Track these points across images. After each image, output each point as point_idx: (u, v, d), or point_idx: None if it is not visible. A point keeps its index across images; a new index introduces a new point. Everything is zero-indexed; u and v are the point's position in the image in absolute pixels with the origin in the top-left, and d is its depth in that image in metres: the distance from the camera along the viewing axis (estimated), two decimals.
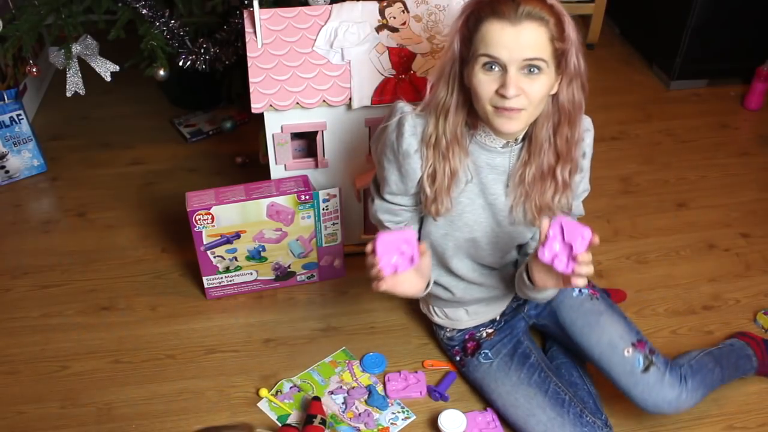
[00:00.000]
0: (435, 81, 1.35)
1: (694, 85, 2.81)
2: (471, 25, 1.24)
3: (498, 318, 1.66)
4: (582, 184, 1.46)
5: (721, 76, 2.80)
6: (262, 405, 1.65)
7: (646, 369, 1.47)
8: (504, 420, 1.59)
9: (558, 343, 1.71)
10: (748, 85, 2.70)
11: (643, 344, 1.50)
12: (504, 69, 1.22)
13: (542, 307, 1.65)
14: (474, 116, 1.34)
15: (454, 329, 1.68)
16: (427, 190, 1.39)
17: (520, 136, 1.38)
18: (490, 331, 1.65)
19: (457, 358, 1.69)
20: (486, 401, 1.63)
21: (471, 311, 1.64)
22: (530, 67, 1.21)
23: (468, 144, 1.38)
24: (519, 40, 1.19)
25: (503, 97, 1.22)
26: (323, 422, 1.54)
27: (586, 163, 1.44)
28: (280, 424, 1.60)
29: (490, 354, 1.61)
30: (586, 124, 1.41)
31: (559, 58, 1.24)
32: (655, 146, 2.51)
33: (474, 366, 1.63)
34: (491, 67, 1.23)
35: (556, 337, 1.68)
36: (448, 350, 1.72)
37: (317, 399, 1.59)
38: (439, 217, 1.43)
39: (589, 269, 1.25)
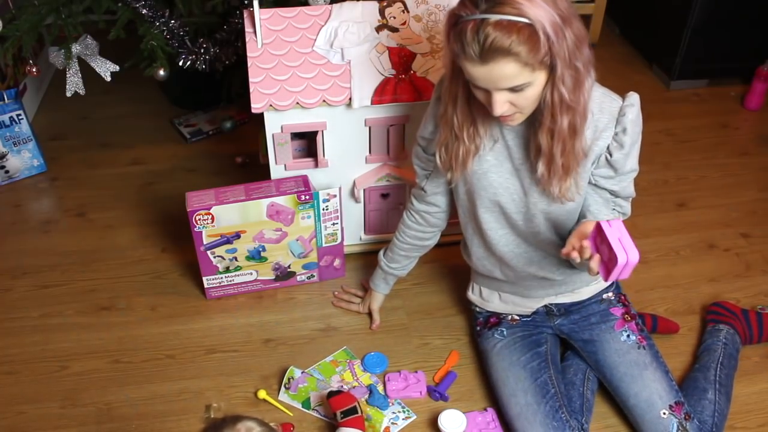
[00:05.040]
0: (444, 67, 1.40)
1: (694, 85, 2.81)
2: (453, 51, 1.22)
3: (529, 315, 1.68)
4: (628, 163, 1.39)
5: (721, 76, 2.80)
6: (282, 396, 1.66)
7: None
8: (492, 394, 1.62)
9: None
10: (748, 85, 2.70)
11: (680, 407, 1.48)
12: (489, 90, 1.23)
13: (576, 330, 1.63)
14: None
15: (483, 309, 1.73)
16: (442, 156, 1.44)
17: None
18: (516, 317, 1.68)
19: (477, 328, 1.74)
20: (485, 372, 1.68)
21: (504, 297, 1.68)
22: (513, 89, 1.22)
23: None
24: (492, 76, 1.19)
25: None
26: (358, 410, 1.53)
27: (627, 139, 1.36)
28: (304, 410, 1.62)
29: (505, 332, 1.65)
30: (632, 99, 1.36)
31: (547, 63, 1.20)
32: (655, 146, 2.51)
33: (486, 337, 1.68)
34: (478, 86, 1.24)
35: (579, 355, 1.67)
36: (474, 319, 1.78)
37: (337, 393, 1.56)
38: (453, 183, 1.50)
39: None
